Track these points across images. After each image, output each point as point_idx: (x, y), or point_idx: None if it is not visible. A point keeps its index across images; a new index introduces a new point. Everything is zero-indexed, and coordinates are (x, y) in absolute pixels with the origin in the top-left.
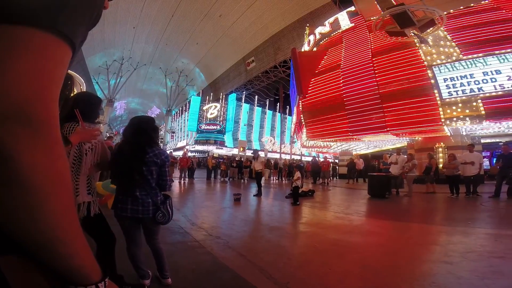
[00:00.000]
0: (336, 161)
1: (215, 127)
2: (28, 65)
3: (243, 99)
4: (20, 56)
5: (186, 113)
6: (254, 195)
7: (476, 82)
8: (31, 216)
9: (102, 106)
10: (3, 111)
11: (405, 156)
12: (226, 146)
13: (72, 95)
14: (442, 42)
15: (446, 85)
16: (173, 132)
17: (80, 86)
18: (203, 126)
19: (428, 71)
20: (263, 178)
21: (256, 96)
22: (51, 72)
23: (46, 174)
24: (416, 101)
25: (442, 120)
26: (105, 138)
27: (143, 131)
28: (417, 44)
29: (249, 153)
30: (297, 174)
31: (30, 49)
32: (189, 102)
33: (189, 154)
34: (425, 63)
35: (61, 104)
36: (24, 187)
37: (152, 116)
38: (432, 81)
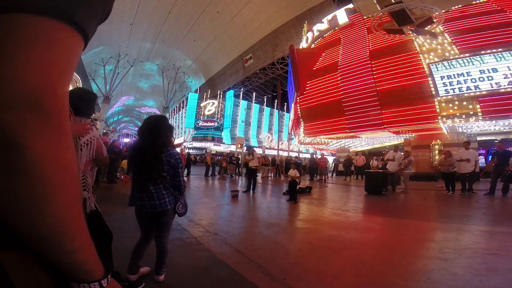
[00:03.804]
0: (339, 158)
1: (212, 123)
2: (43, 55)
3: (241, 96)
4: (36, 46)
5: (184, 109)
6: (244, 191)
7: (473, 80)
8: (38, 207)
9: (97, 102)
10: (15, 99)
11: (402, 153)
12: (223, 143)
13: None
14: (440, 40)
15: (443, 83)
16: (173, 130)
17: (76, 82)
18: (201, 123)
19: (425, 69)
20: (259, 175)
21: (254, 93)
22: (64, 63)
23: (56, 164)
24: (413, 98)
25: (439, 117)
26: (101, 135)
27: (159, 130)
28: (414, 42)
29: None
30: (294, 171)
31: (47, 39)
32: (187, 99)
33: (186, 150)
34: (422, 60)
35: None
36: (33, 177)
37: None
38: (429, 78)
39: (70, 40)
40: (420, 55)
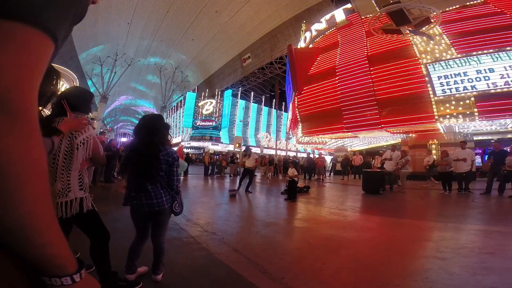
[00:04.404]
0: (336, 158)
1: (210, 123)
2: (10, 57)
3: (239, 95)
4: (3, 49)
5: (181, 109)
6: (250, 192)
7: (470, 80)
8: (4, 202)
9: (94, 101)
10: None
11: (399, 153)
12: (221, 142)
13: (59, 90)
14: (437, 39)
15: (440, 83)
16: (169, 128)
17: (73, 82)
18: (199, 122)
19: (423, 69)
20: (258, 174)
21: (252, 93)
22: (32, 64)
23: (22, 160)
24: (410, 98)
25: (436, 117)
26: (98, 134)
27: (156, 130)
28: (412, 42)
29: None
30: (292, 170)
31: (14, 42)
32: (185, 98)
33: (183, 150)
34: (420, 61)
35: (44, 99)
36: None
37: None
38: (426, 78)
39: (38, 43)
40: (417, 54)
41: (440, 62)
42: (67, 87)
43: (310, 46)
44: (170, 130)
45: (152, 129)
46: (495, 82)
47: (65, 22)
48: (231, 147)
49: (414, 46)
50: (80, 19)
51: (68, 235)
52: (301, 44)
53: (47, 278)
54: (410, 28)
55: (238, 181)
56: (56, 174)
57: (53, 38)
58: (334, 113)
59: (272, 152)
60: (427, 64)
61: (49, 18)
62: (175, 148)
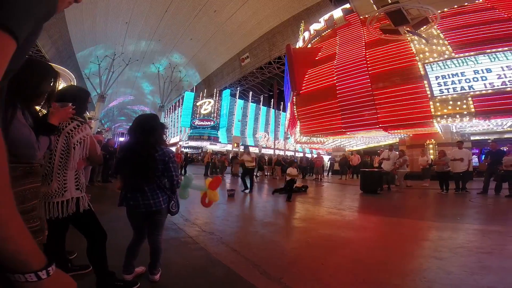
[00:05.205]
0: (334, 157)
1: (208, 123)
2: None
3: (237, 95)
4: None
5: (180, 108)
6: (242, 191)
7: (467, 80)
8: None
9: (91, 100)
10: None
11: (397, 153)
12: (220, 142)
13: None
14: (435, 41)
15: (438, 83)
16: (166, 128)
17: (70, 81)
18: (197, 122)
19: (420, 69)
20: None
21: (251, 92)
22: None
23: None
24: (408, 98)
25: (433, 117)
26: (95, 133)
27: (152, 129)
28: (410, 43)
29: (241, 148)
30: (293, 170)
31: None
32: (183, 97)
33: (181, 149)
34: (418, 61)
35: (43, 99)
36: None
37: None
38: (424, 79)
39: None
40: (416, 53)
41: (438, 62)
42: (63, 86)
43: (309, 46)
44: (167, 130)
45: (148, 129)
46: (492, 82)
47: (28, 20)
48: (229, 147)
49: (412, 46)
50: (49, 16)
51: (65, 235)
52: (300, 44)
53: (11, 275)
54: (408, 29)
55: (239, 181)
56: (52, 173)
57: (13, 36)
58: (330, 93)
59: (271, 151)
60: (425, 64)
61: (5, 16)
62: (172, 149)
